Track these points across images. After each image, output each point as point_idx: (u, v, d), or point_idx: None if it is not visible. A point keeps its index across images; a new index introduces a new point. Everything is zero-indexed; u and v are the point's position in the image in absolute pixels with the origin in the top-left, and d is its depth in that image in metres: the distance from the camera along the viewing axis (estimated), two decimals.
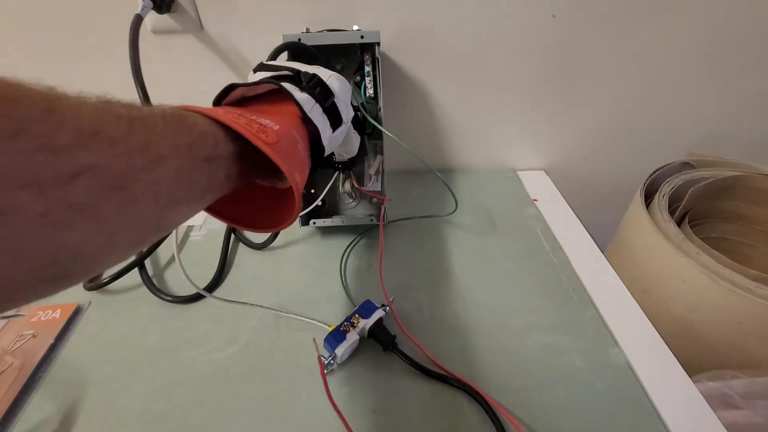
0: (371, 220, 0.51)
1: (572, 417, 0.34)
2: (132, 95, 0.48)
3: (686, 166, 0.57)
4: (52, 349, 0.40)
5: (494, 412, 0.33)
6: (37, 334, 0.41)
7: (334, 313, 0.43)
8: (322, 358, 0.36)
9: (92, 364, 0.39)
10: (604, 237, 0.62)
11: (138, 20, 0.41)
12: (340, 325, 0.38)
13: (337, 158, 0.45)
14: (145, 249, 0.47)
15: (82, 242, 0.14)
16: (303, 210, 0.50)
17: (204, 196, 0.20)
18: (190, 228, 0.55)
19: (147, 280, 0.46)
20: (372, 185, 0.52)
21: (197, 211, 0.21)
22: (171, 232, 0.21)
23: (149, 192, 0.16)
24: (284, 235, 0.53)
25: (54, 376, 0.38)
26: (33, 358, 0.39)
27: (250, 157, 0.22)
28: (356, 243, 0.52)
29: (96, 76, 0.53)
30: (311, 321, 0.41)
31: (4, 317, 0.43)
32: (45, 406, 0.35)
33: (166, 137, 0.17)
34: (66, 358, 0.39)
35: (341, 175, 0.52)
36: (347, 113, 0.33)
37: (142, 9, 0.41)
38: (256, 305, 0.40)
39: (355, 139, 0.41)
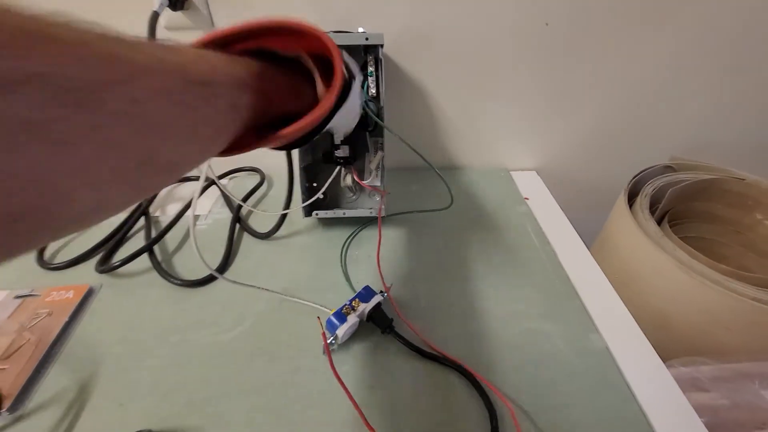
0: (371, 212, 0.54)
1: (554, 393, 0.37)
2: None
3: (668, 169, 0.61)
4: (67, 327, 0.42)
5: (483, 388, 0.36)
6: (52, 312, 0.43)
7: (335, 299, 0.45)
8: (325, 334, 0.38)
9: (105, 342, 0.41)
10: (590, 235, 0.65)
11: (155, 17, 0.43)
12: (342, 307, 0.40)
13: (336, 139, 0.47)
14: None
15: (39, 169, 0.11)
16: (305, 201, 0.53)
17: (205, 130, 0.17)
18: (195, 217, 0.57)
19: (156, 265, 0.48)
20: (372, 180, 0.55)
21: (203, 154, 0.18)
22: (178, 174, 0.17)
23: (126, 114, 0.13)
24: (287, 226, 0.55)
25: (69, 352, 0.40)
26: (49, 335, 0.41)
27: (262, 87, 0.20)
28: (356, 234, 0.55)
29: None
30: (314, 305, 0.43)
31: (19, 296, 0.45)
32: (61, 378, 0.38)
33: (146, 52, 0.14)
34: (80, 336, 0.41)
35: (342, 169, 0.55)
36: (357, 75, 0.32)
37: (159, 6, 0.44)
38: (263, 288, 0.42)
39: (355, 114, 0.39)
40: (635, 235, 0.50)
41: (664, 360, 0.41)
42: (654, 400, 0.37)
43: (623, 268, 0.52)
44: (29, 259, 0.49)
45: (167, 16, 0.50)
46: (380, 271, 0.44)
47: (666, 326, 0.47)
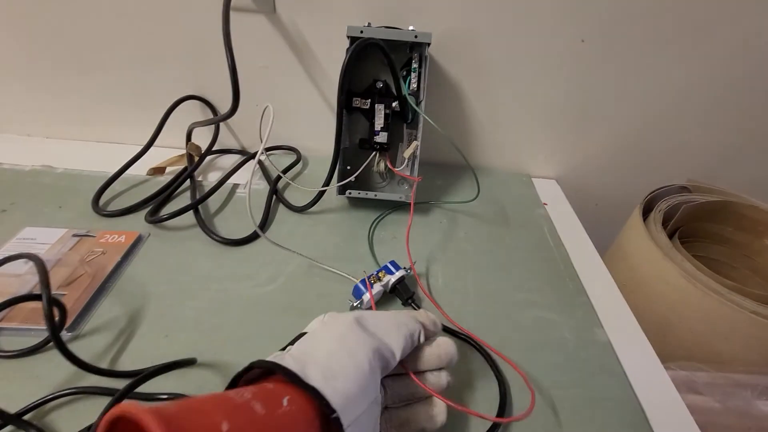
0: (400, 198, 0.57)
1: (557, 374, 0.40)
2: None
3: (684, 189, 0.63)
4: (119, 266, 0.46)
5: (494, 360, 0.39)
6: (106, 252, 0.47)
7: (359, 270, 0.49)
8: (350, 301, 0.42)
9: (152, 282, 0.45)
10: (602, 248, 0.68)
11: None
12: (369, 276, 0.44)
13: None
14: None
15: None
16: (339, 182, 0.57)
17: None
18: (236, 186, 0.62)
19: (201, 222, 0.52)
20: (403, 169, 0.58)
21: None
22: None
23: None
24: (319, 203, 0.59)
25: (120, 287, 0.44)
26: (103, 270, 0.45)
27: None
28: (384, 217, 0.59)
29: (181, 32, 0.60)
30: (341, 273, 0.47)
31: (77, 235, 0.49)
32: (114, 308, 0.42)
33: None
34: (130, 275, 0.46)
35: (377, 155, 0.58)
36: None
37: None
38: (296, 253, 0.46)
39: None
40: (646, 244, 0.53)
41: (662, 362, 0.44)
42: (650, 394, 0.40)
43: (632, 275, 0.55)
44: (86, 203, 0.54)
45: None
46: (408, 248, 0.48)
47: (667, 332, 0.50)
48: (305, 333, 0.29)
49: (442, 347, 0.31)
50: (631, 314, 0.48)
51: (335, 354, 0.25)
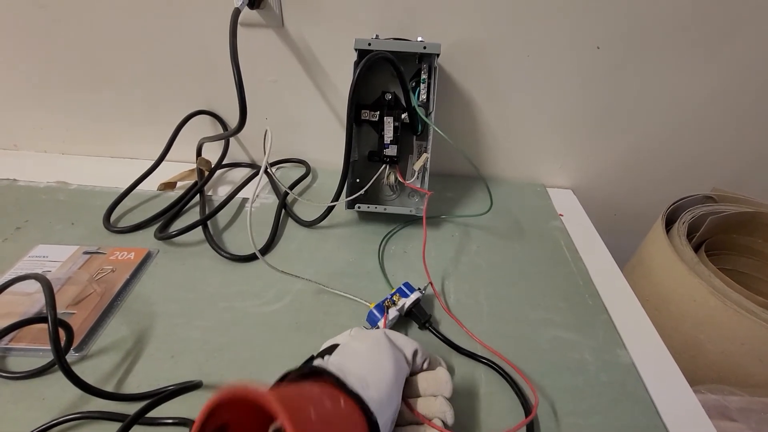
0: (410, 211, 0.56)
1: (577, 399, 0.38)
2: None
3: (708, 199, 0.61)
4: (128, 283, 0.46)
5: (518, 385, 0.38)
6: (115, 269, 0.47)
7: (369, 287, 0.48)
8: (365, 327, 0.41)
9: (160, 300, 0.45)
10: (622, 259, 0.65)
11: (237, 13, 0.48)
12: (383, 301, 0.42)
13: None
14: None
15: None
16: (348, 196, 0.56)
17: None
18: (245, 200, 0.62)
19: (209, 238, 0.52)
20: (414, 181, 0.57)
21: None
22: None
23: None
24: (329, 216, 0.58)
25: (129, 306, 0.44)
26: (112, 288, 0.45)
27: None
28: (395, 232, 0.57)
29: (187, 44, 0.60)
30: (353, 297, 0.45)
31: (87, 252, 0.49)
32: (121, 328, 0.42)
33: None
34: (138, 293, 0.45)
35: (387, 168, 0.57)
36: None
37: (241, 4, 0.48)
38: (302, 278, 0.45)
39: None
40: (670, 259, 0.50)
41: (691, 385, 0.41)
42: (678, 420, 0.37)
43: (655, 292, 0.52)
44: (98, 219, 0.54)
45: (244, 13, 0.54)
46: (426, 267, 0.47)
47: (696, 353, 0.47)
48: (337, 344, 0.31)
49: (437, 373, 0.33)
50: (656, 334, 0.45)
51: (366, 366, 0.28)
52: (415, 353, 0.32)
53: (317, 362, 0.29)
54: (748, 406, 0.42)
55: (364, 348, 0.30)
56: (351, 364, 0.28)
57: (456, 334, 0.42)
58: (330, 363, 0.29)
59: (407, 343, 0.33)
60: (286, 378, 0.26)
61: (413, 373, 0.33)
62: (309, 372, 0.26)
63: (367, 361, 0.29)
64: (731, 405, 0.43)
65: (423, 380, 0.32)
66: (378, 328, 0.40)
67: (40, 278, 0.36)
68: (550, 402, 0.37)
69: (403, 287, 0.44)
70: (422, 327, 0.43)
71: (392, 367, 0.29)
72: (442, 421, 0.30)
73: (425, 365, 0.33)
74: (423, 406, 0.31)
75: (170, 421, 0.33)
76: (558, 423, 0.36)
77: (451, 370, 0.39)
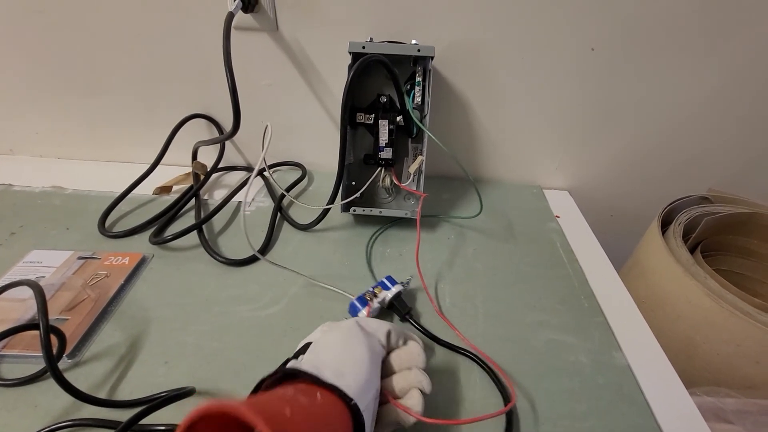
0: (405, 214, 0.56)
1: (572, 401, 0.38)
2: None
3: (704, 200, 0.61)
4: (122, 289, 0.46)
5: (495, 374, 0.38)
6: (109, 274, 0.47)
7: (363, 288, 0.48)
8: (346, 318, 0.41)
9: (154, 306, 0.44)
10: (617, 261, 0.65)
11: (230, 17, 0.48)
12: (364, 293, 0.43)
13: None
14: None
15: None
16: (344, 200, 0.56)
17: None
18: (240, 204, 0.61)
19: (204, 242, 0.52)
20: (409, 184, 0.57)
21: None
22: None
23: None
24: (324, 219, 0.58)
25: (123, 311, 0.44)
26: (106, 294, 0.45)
27: None
28: (391, 234, 0.57)
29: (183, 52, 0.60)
30: (340, 291, 0.46)
31: (82, 258, 0.49)
32: (115, 333, 0.41)
33: None
34: (133, 298, 0.45)
35: (382, 171, 0.57)
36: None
37: (235, 8, 0.48)
38: (297, 273, 0.45)
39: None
40: (666, 260, 0.50)
41: (687, 387, 0.41)
42: (674, 422, 0.37)
43: (651, 293, 0.52)
44: (93, 224, 0.54)
45: (238, 17, 0.54)
46: (419, 269, 0.47)
47: (692, 355, 0.47)
48: (310, 342, 0.31)
49: (409, 347, 0.34)
50: (652, 336, 0.45)
51: (340, 356, 0.29)
52: (388, 334, 0.33)
53: (291, 364, 0.29)
54: (743, 408, 0.42)
55: (337, 339, 0.31)
56: (325, 357, 0.29)
57: (453, 339, 0.42)
58: (304, 362, 0.29)
59: (380, 326, 0.33)
60: (261, 385, 0.26)
61: (390, 353, 0.33)
62: (283, 375, 0.26)
63: (340, 351, 0.29)
64: (727, 407, 0.42)
65: (396, 357, 0.33)
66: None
67: (32, 285, 0.35)
68: (546, 405, 0.37)
69: (385, 280, 0.45)
70: (403, 319, 0.43)
71: (366, 352, 0.29)
72: (420, 390, 0.31)
73: (400, 343, 0.34)
74: (400, 379, 0.32)
75: (163, 428, 0.33)
76: (554, 426, 0.36)
77: (433, 361, 0.40)
